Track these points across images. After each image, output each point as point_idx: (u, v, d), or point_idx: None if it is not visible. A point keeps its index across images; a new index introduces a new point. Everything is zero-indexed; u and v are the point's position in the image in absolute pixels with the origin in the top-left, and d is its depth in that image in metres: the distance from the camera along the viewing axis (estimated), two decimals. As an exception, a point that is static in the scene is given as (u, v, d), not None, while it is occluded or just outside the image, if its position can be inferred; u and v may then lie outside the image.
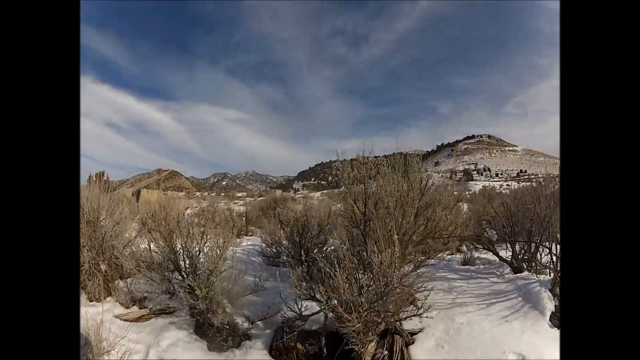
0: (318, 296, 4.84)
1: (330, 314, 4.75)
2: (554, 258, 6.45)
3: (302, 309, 5.09)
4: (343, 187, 6.36)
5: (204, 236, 5.28)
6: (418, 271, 5.85)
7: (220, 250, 5.14)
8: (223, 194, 71.81)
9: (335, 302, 4.42)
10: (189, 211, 29.72)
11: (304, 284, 5.01)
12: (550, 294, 5.88)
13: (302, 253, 7.00)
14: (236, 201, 44.64)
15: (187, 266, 5.22)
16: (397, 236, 4.94)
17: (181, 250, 5.24)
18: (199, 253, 5.15)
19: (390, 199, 5.44)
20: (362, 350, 4.53)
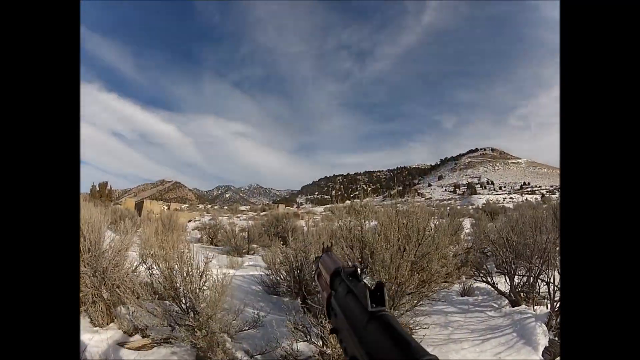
0: (314, 339, 4.89)
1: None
2: (552, 288, 6.47)
3: (297, 352, 5.10)
4: (337, 224, 6.35)
5: (204, 275, 5.26)
6: (415, 309, 5.87)
7: (219, 294, 5.12)
8: (226, 207, 71.96)
9: (329, 350, 4.46)
10: (191, 224, 29.73)
11: (300, 326, 5.01)
12: (545, 327, 5.92)
13: (300, 287, 7.02)
14: (239, 215, 44.66)
15: (187, 304, 5.20)
16: (390, 290, 5.00)
17: (181, 288, 5.23)
18: (199, 292, 5.13)
19: (386, 253, 5.46)
20: None
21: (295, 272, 7.48)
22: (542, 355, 5.43)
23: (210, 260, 5.50)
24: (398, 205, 6.29)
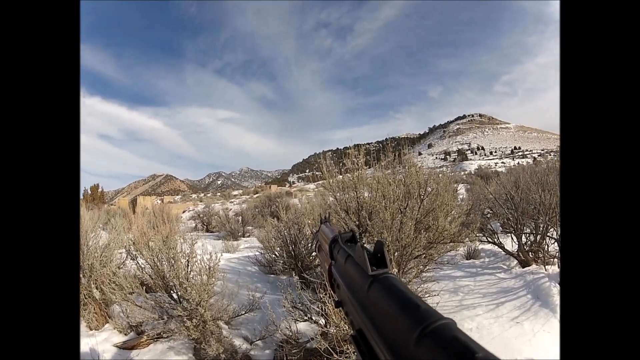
0: (314, 317, 4.67)
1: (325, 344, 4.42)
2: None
3: (298, 333, 4.84)
4: (332, 199, 6.09)
5: (190, 259, 5.02)
6: (422, 275, 5.57)
7: (207, 277, 4.86)
8: (219, 194, 72.21)
9: (333, 330, 4.17)
10: (186, 214, 29.67)
11: (299, 304, 4.82)
12: (560, 288, 5.63)
13: (296, 262, 6.73)
14: (232, 200, 44.74)
15: (178, 293, 4.99)
16: (394, 256, 4.74)
17: (169, 276, 5.00)
18: (186, 279, 4.85)
19: (386, 212, 5.10)
20: None
21: (290, 247, 7.27)
22: None
23: (196, 242, 5.29)
24: (396, 168, 6.01)
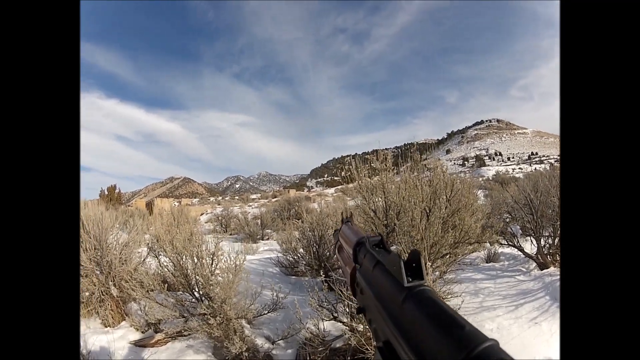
0: (340, 317, 4.65)
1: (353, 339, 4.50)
2: None
3: (324, 332, 4.82)
4: (360, 199, 6.11)
5: (215, 257, 5.02)
6: (444, 277, 5.66)
7: (232, 276, 4.88)
8: (237, 197, 72.19)
9: (361, 327, 4.20)
10: (204, 217, 29.70)
11: (325, 303, 4.79)
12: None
13: (320, 263, 6.78)
14: (250, 204, 44.74)
15: (200, 291, 5.00)
16: (424, 254, 4.76)
17: (192, 274, 5.00)
18: (211, 275, 4.89)
19: (415, 210, 5.19)
20: None
21: (314, 248, 7.27)
22: None
23: (221, 241, 5.28)
24: (417, 172, 6.08)
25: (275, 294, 5.57)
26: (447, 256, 5.53)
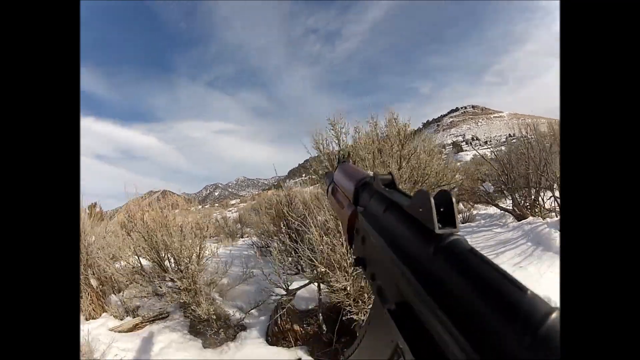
0: (304, 265, 4.70)
1: (317, 284, 4.61)
2: (558, 201, 6.12)
3: (289, 284, 4.89)
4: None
5: (182, 229, 5.17)
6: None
7: (200, 239, 5.11)
8: (217, 204, 72.19)
9: (323, 269, 4.10)
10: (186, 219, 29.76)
11: (290, 258, 4.90)
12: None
13: (285, 225, 6.67)
14: (230, 209, 44.80)
15: (171, 261, 5.07)
16: None
17: (162, 246, 5.03)
18: (181, 247, 4.95)
19: (367, 151, 5.09)
20: (364, 318, 4.14)
21: (281, 214, 7.13)
22: None
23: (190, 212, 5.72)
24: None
25: (245, 266, 5.75)
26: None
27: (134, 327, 5.11)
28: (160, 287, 4.88)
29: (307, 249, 4.27)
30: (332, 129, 5.38)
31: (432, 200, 0.49)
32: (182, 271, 4.79)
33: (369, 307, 4.09)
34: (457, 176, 8.04)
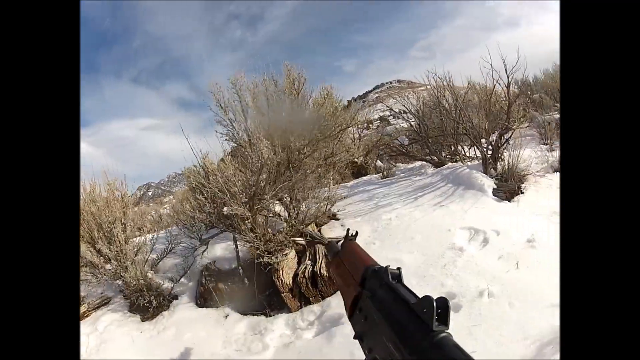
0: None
1: (233, 237, 4.87)
2: (480, 149, 6.20)
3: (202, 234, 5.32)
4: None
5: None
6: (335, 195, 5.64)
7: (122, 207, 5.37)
8: (151, 204, 70.60)
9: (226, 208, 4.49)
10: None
11: (203, 214, 5.06)
12: (482, 173, 5.67)
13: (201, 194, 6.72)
14: (165, 206, 43.90)
15: (103, 239, 5.07)
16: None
17: (94, 226, 5.11)
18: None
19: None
20: (279, 262, 4.42)
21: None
22: (495, 195, 5.30)
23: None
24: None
25: (169, 239, 5.95)
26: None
27: (82, 316, 5.14)
28: (97, 269, 5.01)
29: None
30: (233, 88, 5.39)
31: (435, 305, 0.66)
32: (108, 238, 4.92)
33: (281, 250, 4.51)
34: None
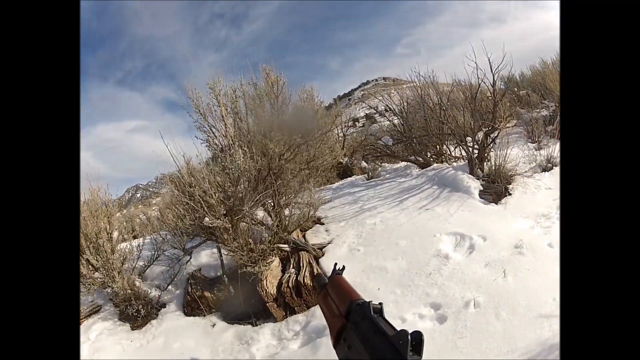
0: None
1: (217, 247, 4.90)
2: (466, 148, 6.15)
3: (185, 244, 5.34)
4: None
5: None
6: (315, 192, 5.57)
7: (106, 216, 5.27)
8: (140, 206, 70.42)
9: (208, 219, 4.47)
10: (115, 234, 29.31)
11: (187, 222, 5.00)
12: (469, 175, 5.62)
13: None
14: (153, 208, 43.79)
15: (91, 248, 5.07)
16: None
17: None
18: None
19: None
20: (262, 272, 4.44)
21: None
22: (482, 197, 5.29)
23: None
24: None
25: (155, 245, 5.88)
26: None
27: (75, 325, 5.06)
28: (85, 278, 4.95)
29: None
30: (212, 92, 5.30)
31: (409, 338, 0.78)
32: (95, 249, 4.93)
33: (264, 259, 4.53)
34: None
